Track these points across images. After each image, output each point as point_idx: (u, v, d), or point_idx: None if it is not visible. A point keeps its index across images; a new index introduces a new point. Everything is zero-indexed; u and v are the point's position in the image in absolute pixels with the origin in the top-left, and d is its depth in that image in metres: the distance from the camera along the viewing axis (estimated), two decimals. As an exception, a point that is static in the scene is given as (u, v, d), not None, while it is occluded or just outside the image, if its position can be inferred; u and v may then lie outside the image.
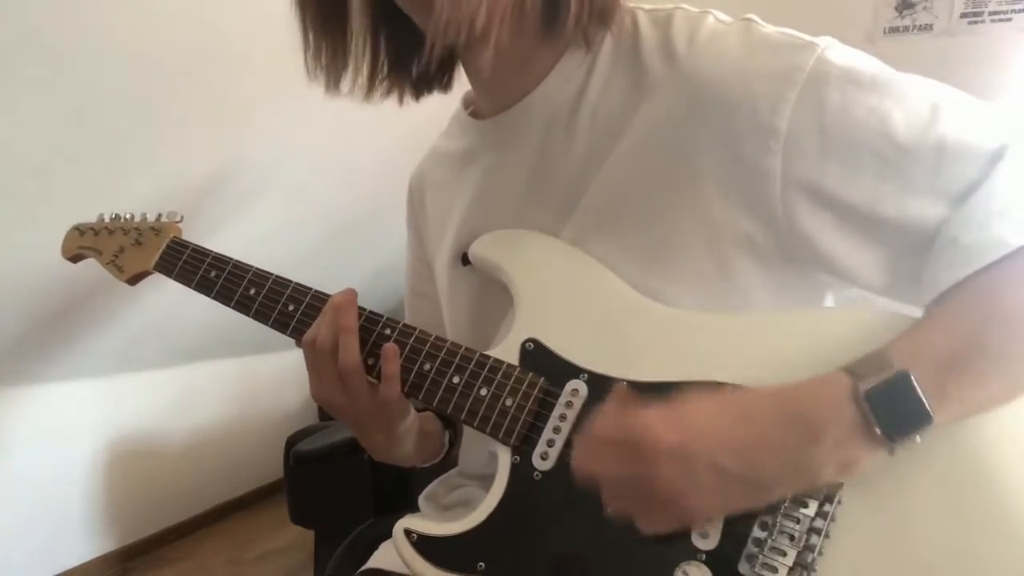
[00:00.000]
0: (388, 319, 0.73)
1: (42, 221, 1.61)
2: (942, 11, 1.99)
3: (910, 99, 0.57)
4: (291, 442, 1.92)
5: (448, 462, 0.86)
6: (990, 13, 1.95)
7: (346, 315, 0.68)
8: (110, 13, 1.35)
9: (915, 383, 0.50)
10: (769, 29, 0.61)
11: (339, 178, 1.96)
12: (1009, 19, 1.94)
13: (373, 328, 0.71)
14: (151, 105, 1.57)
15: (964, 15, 1.97)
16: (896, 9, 2.03)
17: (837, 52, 0.59)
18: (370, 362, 0.70)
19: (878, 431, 0.50)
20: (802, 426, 0.51)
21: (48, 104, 1.42)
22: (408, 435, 0.76)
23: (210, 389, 2.62)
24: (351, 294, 0.70)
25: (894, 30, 2.03)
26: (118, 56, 1.42)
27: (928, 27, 2.00)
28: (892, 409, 0.50)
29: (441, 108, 0.82)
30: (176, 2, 1.43)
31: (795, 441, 0.51)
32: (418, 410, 0.78)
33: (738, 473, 0.51)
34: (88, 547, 2.35)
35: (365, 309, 0.72)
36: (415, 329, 0.71)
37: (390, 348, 0.68)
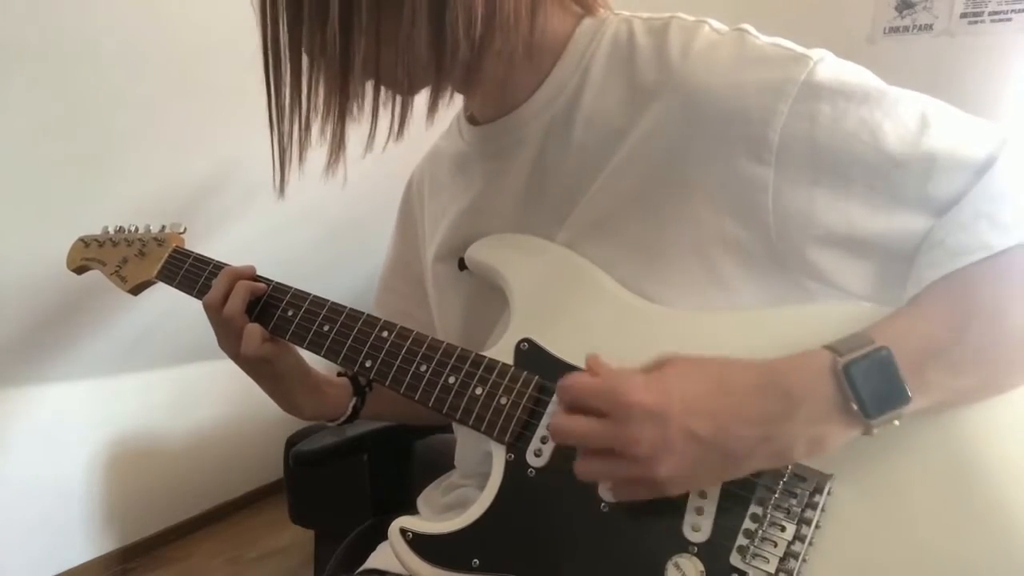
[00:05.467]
0: (386, 322, 0.74)
1: (41, 222, 1.62)
2: (942, 11, 1.99)
3: (900, 111, 0.58)
4: (291, 442, 1.92)
5: (443, 463, 0.87)
6: (990, 13, 1.95)
7: (238, 268, 0.80)
8: (109, 13, 1.35)
9: (895, 360, 0.50)
10: (763, 40, 0.62)
11: (338, 177, 1.96)
12: (1009, 19, 1.94)
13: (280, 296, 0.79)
14: (150, 105, 1.57)
15: (964, 15, 1.97)
16: (896, 9, 2.03)
17: (829, 65, 0.59)
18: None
19: (854, 406, 0.50)
20: (778, 397, 0.51)
21: (47, 105, 1.43)
22: (293, 387, 0.82)
23: (210, 389, 2.62)
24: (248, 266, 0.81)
25: (894, 30, 2.03)
26: (116, 56, 1.43)
27: (928, 27, 2.00)
28: (870, 384, 0.50)
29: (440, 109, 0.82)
30: (176, 1, 1.43)
31: (770, 412, 0.51)
32: (339, 374, 0.85)
33: (711, 440, 0.51)
34: (88, 547, 2.35)
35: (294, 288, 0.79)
36: (412, 331, 0.72)
37: (245, 286, 0.77)
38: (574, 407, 0.54)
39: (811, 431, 0.51)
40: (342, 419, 0.87)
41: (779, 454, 0.52)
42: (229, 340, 0.78)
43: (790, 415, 0.51)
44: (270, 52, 0.63)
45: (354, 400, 0.87)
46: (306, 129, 0.64)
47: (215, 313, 0.77)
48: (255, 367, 0.79)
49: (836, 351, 0.52)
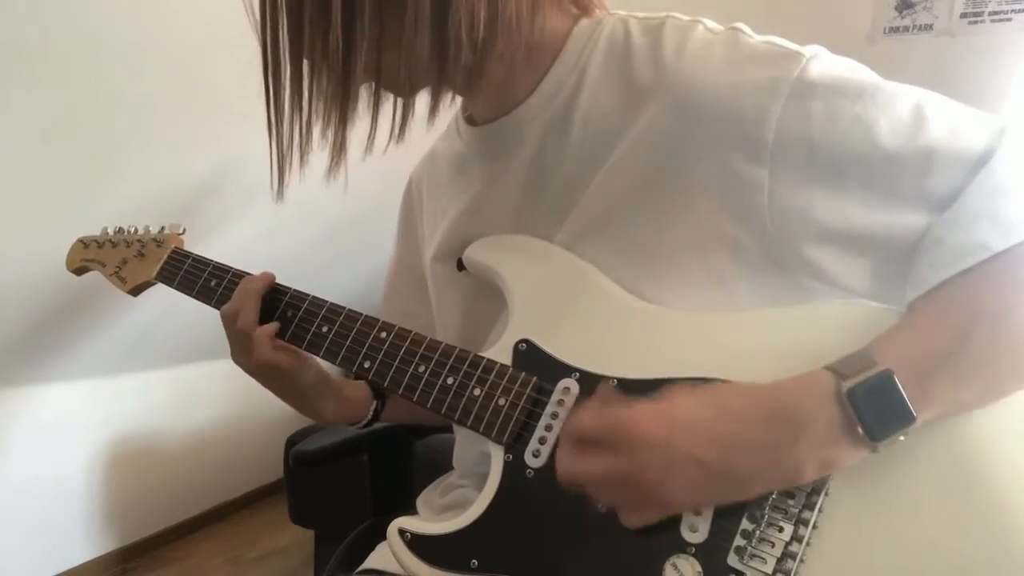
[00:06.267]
0: (384, 323, 0.74)
1: (42, 222, 1.62)
2: (942, 11, 1.99)
3: (896, 107, 0.58)
4: (291, 442, 1.92)
5: (442, 463, 0.87)
6: (990, 13, 1.95)
7: (252, 283, 0.78)
8: (109, 13, 1.35)
9: (898, 382, 0.50)
10: (756, 39, 0.62)
11: (339, 181, 1.97)
12: (1009, 19, 1.94)
13: (298, 304, 0.79)
14: (150, 105, 1.57)
15: (964, 15, 1.97)
16: (896, 9, 2.03)
17: (822, 61, 0.59)
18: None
19: (860, 431, 0.50)
20: (783, 424, 0.51)
21: (47, 105, 1.43)
22: (317, 396, 0.82)
23: (210, 389, 2.63)
24: (265, 274, 0.80)
25: (894, 30, 2.04)
26: (116, 56, 1.43)
27: (928, 27, 2.00)
28: (875, 408, 0.50)
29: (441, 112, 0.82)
30: (176, 0, 1.43)
31: (776, 439, 0.51)
32: (355, 377, 0.83)
33: (717, 467, 0.51)
34: (88, 547, 2.35)
35: (308, 294, 0.79)
36: (410, 332, 0.73)
37: (251, 297, 0.77)
38: (580, 444, 0.55)
39: (819, 455, 0.51)
40: (363, 423, 0.87)
41: (789, 477, 0.52)
42: (244, 352, 0.78)
43: (796, 440, 0.51)
44: (270, 58, 0.62)
45: (375, 404, 0.87)
46: (307, 134, 0.64)
47: (229, 325, 0.78)
48: (272, 378, 0.79)
49: (839, 374, 0.51)
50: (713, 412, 0.53)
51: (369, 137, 0.65)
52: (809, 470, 0.51)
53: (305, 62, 0.62)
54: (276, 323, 0.77)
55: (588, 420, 0.55)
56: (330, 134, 0.63)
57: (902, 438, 0.51)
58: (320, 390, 0.82)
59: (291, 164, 0.65)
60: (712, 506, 0.57)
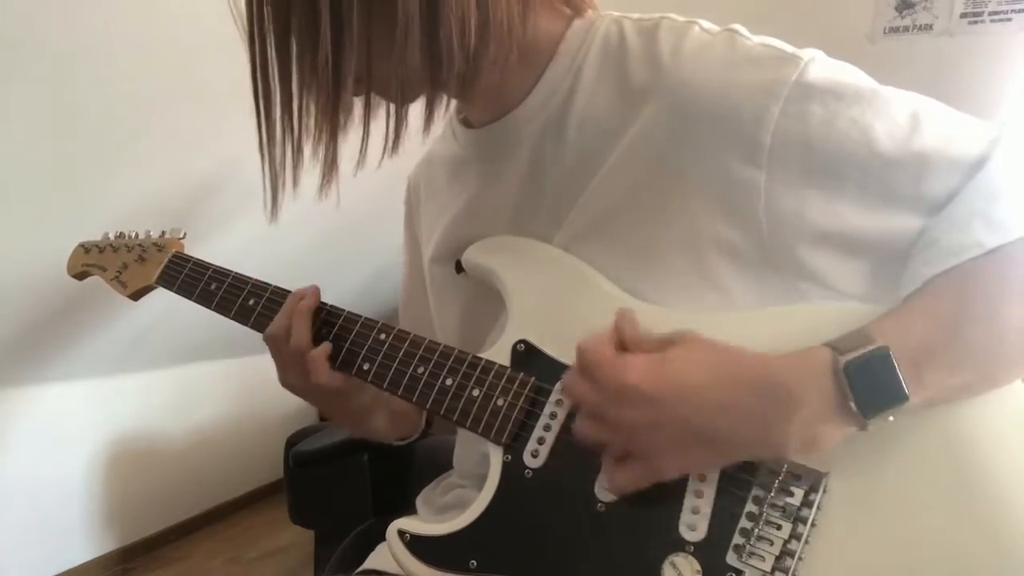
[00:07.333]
0: (384, 324, 0.74)
1: (42, 221, 1.62)
2: (942, 11, 1.99)
3: (892, 111, 0.58)
4: (291, 442, 1.93)
5: (442, 463, 0.87)
6: (990, 13, 1.95)
7: (304, 300, 0.75)
8: (109, 12, 1.35)
9: (893, 359, 0.50)
10: (753, 41, 0.62)
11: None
12: (1009, 19, 1.94)
13: (334, 321, 0.76)
14: (151, 105, 1.57)
15: (964, 15, 1.97)
16: (896, 9, 2.03)
17: (820, 65, 0.59)
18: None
19: (853, 405, 0.51)
20: (777, 396, 0.52)
21: (48, 105, 1.43)
22: (371, 413, 0.81)
23: (210, 389, 2.63)
24: (313, 288, 0.77)
25: (894, 30, 2.03)
26: (118, 56, 1.43)
27: (928, 27, 2.00)
28: (869, 383, 0.50)
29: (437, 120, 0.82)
30: (176, 1, 1.43)
31: (768, 411, 0.52)
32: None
33: (703, 432, 0.52)
34: (88, 547, 2.36)
35: (344, 310, 0.77)
36: (410, 334, 0.73)
37: (301, 313, 0.74)
38: (584, 372, 0.56)
39: (808, 430, 0.51)
40: (415, 436, 0.87)
41: (773, 449, 0.53)
42: (297, 374, 0.75)
43: (789, 414, 0.51)
44: (259, 78, 0.62)
45: (424, 414, 0.87)
46: (298, 152, 0.63)
47: (279, 345, 0.75)
48: (328, 399, 0.77)
49: (836, 349, 0.52)
50: (710, 378, 0.53)
51: (360, 151, 0.64)
52: (794, 444, 0.52)
53: (295, 81, 0.61)
54: (329, 343, 0.74)
55: (595, 350, 0.55)
56: (321, 151, 0.62)
57: (891, 419, 0.51)
58: (375, 407, 0.81)
59: (284, 185, 0.65)
60: (693, 470, 0.57)
